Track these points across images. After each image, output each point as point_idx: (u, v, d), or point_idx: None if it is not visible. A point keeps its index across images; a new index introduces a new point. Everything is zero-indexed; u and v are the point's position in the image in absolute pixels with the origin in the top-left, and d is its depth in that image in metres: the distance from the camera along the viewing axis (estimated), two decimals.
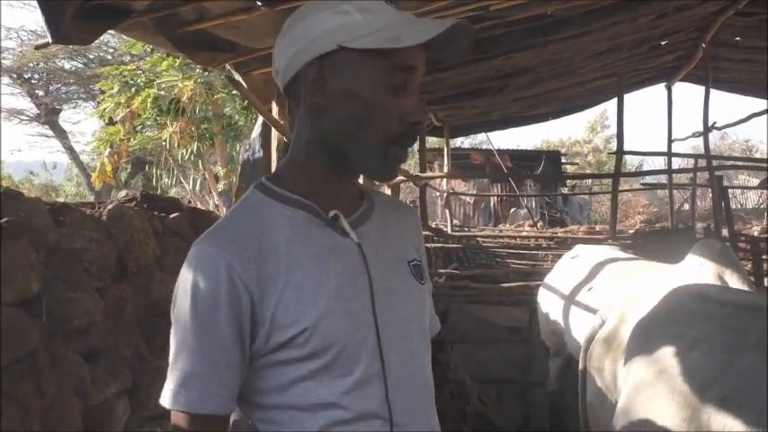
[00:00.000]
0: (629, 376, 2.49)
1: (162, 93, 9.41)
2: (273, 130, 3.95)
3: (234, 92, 9.90)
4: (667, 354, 2.36)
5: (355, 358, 1.24)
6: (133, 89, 9.80)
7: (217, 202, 11.39)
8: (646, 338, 2.53)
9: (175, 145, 10.56)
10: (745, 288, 3.79)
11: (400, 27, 1.23)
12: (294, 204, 1.30)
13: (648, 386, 2.36)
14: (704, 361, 2.23)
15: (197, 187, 12.54)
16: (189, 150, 10.68)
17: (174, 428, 1.24)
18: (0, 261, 1.63)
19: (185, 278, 1.23)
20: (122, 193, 2.75)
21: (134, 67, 10.35)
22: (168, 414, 2.41)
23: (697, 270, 4.03)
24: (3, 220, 1.67)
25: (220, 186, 11.34)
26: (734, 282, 3.81)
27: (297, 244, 1.26)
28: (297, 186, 1.32)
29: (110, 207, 2.28)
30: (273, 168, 3.95)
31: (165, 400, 1.23)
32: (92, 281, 2.03)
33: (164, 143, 10.77)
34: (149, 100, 9.48)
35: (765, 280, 8.20)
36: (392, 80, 1.24)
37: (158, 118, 10.21)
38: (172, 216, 2.71)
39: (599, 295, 4.73)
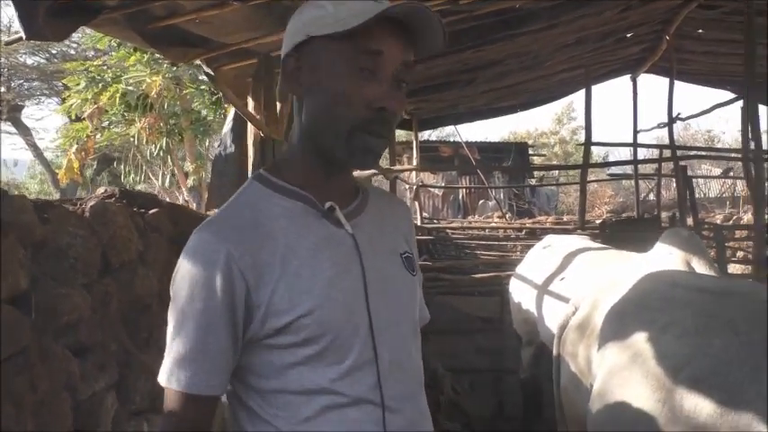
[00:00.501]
0: (603, 361, 2.56)
1: (130, 88, 9.34)
2: (249, 124, 3.95)
3: (202, 87, 9.87)
4: (640, 338, 2.44)
5: (348, 345, 1.27)
6: (100, 85, 9.69)
7: (186, 198, 11.34)
8: (619, 324, 2.60)
9: (144, 141, 10.48)
10: (712, 274, 3.90)
11: (362, 12, 1.24)
12: (291, 195, 1.33)
13: (623, 370, 2.43)
14: (676, 344, 2.30)
15: (166, 183, 12.46)
16: (158, 146, 10.60)
17: (167, 406, 1.28)
18: None
19: (185, 264, 1.26)
20: (101, 190, 2.75)
21: (100, 62, 10.25)
22: (154, 408, 2.44)
23: (666, 258, 4.14)
24: None
25: (190, 182, 11.28)
26: (701, 268, 3.92)
27: (293, 234, 1.29)
28: (294, 178, 1.35)
29: (92, 204, 2.29)
30: (250, 163, 3.97)
31: (162, 378, 1.27)
32: (78, 277, 2.04)
33: (132, 139, 10.68)
34: (117, 96, 9.39)
35: (728, 266, 8.40)
36: (358, 66, 1.26)
37: (126, 114, 10.12)
38: (151, 212, 2.72)
39: (571, 284, 4.81)
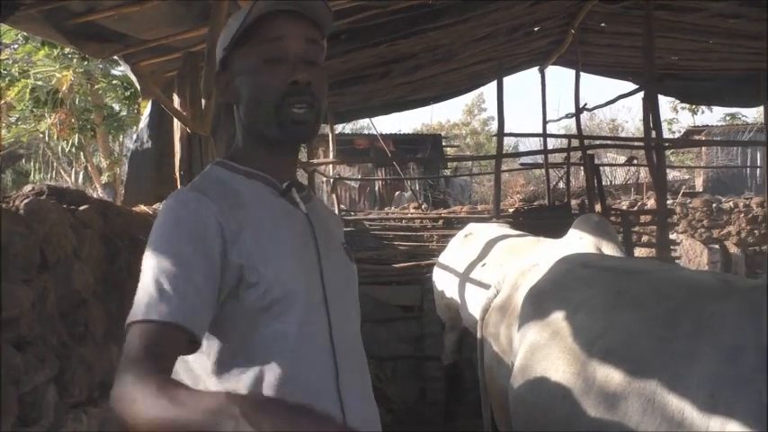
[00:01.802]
0: (523, 339, 2.73)
1: (39, 83, 9.11)
2: (176, 121, 3.98)
3: (115, 81, 9.70)
4: (557, 316, 2.62)
5: (307, 308, 1.39)
6: (6, 79, 9.42)
7: (101, 195, 11.10)
8: (537, 304, 2.78)
9: (54, 137, 10.24)
10: (620, 255, 4.16)
11: (250, 13, 1.41)
12: (252, 176, 1.47)
13: (542, 347, 2.61)
14: (589, 320, 2.50)
15: (79, 180, 12.18)
16: (69, 142, 10.36)
17: (137, 344, 1.20)
18: None
19: (163, 217, 1.35)
20: (28, 187, 2.75)
21: (6, 56, 9.95)
22: (93, 401, 2.48)
23: (578, 242, 4.38)
24: None
25: (104, 178, 11.07)
26: (610, 251, 4.18)
27: (259, 207, 1.42)
28: (250, 166, 1.49)
29: (26, 201, 2.32)
30: (177, 159, 3.99)
31: (137, 314, 1.23)
32: (18, 273, 2.08)
33: (41, 135, 10.42)
34: (26, 91, 9.14)
35: (635, 250, 8.80)
36: (265, 54, 1.43)
37: (35, 109, 9.85)
38: (82, 208, 2.74)
39: (492, 270, 5.00)
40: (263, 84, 1.43)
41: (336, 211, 10.35)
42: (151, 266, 1.29)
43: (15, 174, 16.54)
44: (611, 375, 2.29)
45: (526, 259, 4.05)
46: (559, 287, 2.77)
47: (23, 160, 14.58)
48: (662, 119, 8.08)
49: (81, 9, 3.75)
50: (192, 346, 1.29)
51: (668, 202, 13.48)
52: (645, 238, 9.85)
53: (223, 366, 1.38)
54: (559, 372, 2.47)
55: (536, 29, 8.68)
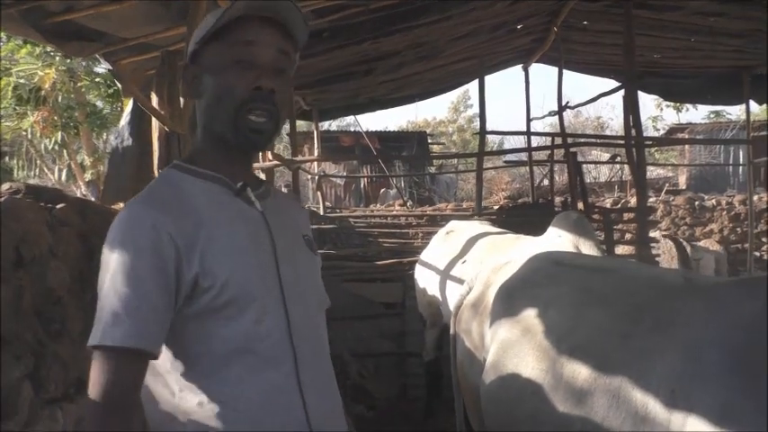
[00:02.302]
0: (495, 336, 2.77)
1: (21, 81, 9.10)
2: (154, 119, 4.00)
3: (97, 79, 9.69)
4: (527, 313, 2.66)
5: (263, 308, 1.43)
6: None
7: (84, 192, 11.08)
8: (508, 301, 2.82)
9: (37, 135, 10.22)
10: (597, 253, 4.20)
11: (227, 12, 1.45)
12: (207, 178, 1.50)
13: (513, 343, 2.65)
14: (558, 317, 2.54)
15: (62, 177, 12.15)
16: (53, 140, 10.35)
17: (98, 369, 1.30)
18: None
19: (114, 233, 1.38)
20: (5, 186, 2.77)
21: None
22: (68, 397, 2.51)
23: (556, 240, 4.43)
24: None
25: (87, 176, 11.06)
26: (587, 249, 4.22)
27: (212, 209, 1.45)
28: (205, 167, 1.52)
29: (2, 199, 2.34)
30: (156, 157, 4.02)
31: (95, 338, 1.31)
32: None
33: (24, 133, 10.40)
34: (9, 89, 9.12)
35: (617, 248, 8.86)
36: (235, 58, 1.46)
37: (18, 107, 9.84)
38: (59, 206, 2.76)
39: (472, 267, 5.03)
40: (227, 84, 1.45)
41: (321, 209, 10.42)
42: (106, 286, 1.34)
43: (1, 171, 16.48)
44: (578, 371, 2.33)
45: (506, 256, 4.09)
46: (530, 284, 2.81)
47: (7, 158, 14.52)
48: (646, 116, 8.16)
49: (59, 8, 3.75)
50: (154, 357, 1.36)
51: (651, 199, 13.66)
52: (628, 236, 9.92)
53: (184, 365, 1.41)
54: (529, 368, 2.52)
55: (519, 27, 8.72)
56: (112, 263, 1.35)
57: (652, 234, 8.98)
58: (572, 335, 2.44)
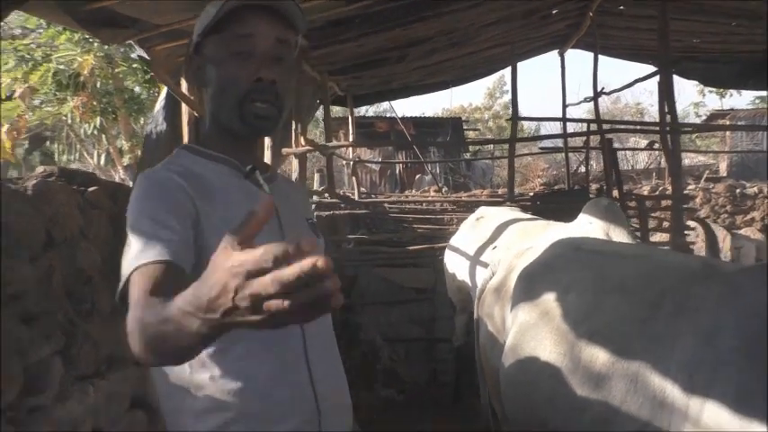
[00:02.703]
0: (515, 319, 2.79)
1: (61, 67, 9.27)
2: (183, 104, 4.07)
3: (135, 65, 9.83)
4: (547, 297, 2.68)
5: None
6: (30, 64, 9.59)
7: (123, 177, 11.27)
8: (528, 285, 2.84)
9: (77, 120, 10.41)
10: (627, 240, 4.17)
11: (227, 6, 1.48)
12: (217, 160, 1.56)
13: (532, 327, 2.67)
14: (577, 302, 2.55)
15: (101, 162, 12.36)
16: (91, 125, 10.53)
17: (136, 286, 1.26)
18: None
19: (137, 189, 1.44)
20: (40, 169, 2.85)
21: (29, 41, 10.11)
22: (99, 374, 2.58)
23: (586, 227, 4.40)
24: None
25: (125, 160, 11.24)
26: (617, 235, 4.19)
27: (223, 190, 1.51)
28: (215, 150, 1.58)
29: (34, 182, 2.41)
30: (185, 141, 4.09)
31: (129, 265, 1.29)
32: (24, 251, 2.18)
33: (64, 118, 10.59)
34: (49, 75, 9.30)
35: (654, 235, 8.79)
36: (234, 49, 1.50)
37: (58, 93, 10.02)
38: (90, 189, 2.84)
39: (502, 253, 5.04)
40: (229, 75, 1.50)
41: (356, 194, 10.47)
42: (133, 230, 1.36)
43: (43, 155, 16.79)
44: (596, 355, 2.34)
45: (533, 242, 4.09)
46: (551, 269, 2.82)
47: (48, 143, 14.79)
48: (688, 102, 8.04)
49: None
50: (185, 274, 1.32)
51: (690, 187, 13.47)
52: (666, 224, 9.80)
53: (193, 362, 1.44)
54: (547, 351, 2.53)
55: (553, 12, 8.65)
56: (136, 213, 1.39)
57: (692, 222, 8.89)
58: (590, 319, 2.45)
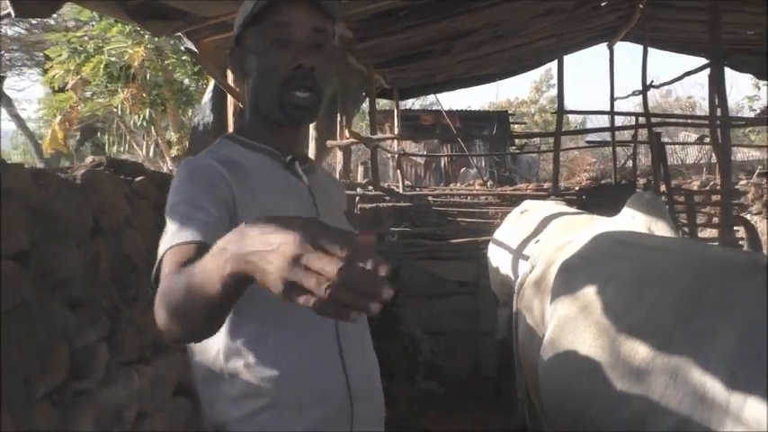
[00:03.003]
0: (554, 313, 2.78)
1: (113, 59, 9.44)
2: (229, 96, 4.13)
3: (184, 57, 9.96)
4: (586, 291, 2.66)
5: None
6: (82, 56, 9.79)
7: (171, 168, 11.44)
8: (568, 278, 2.82)
9: (127, 111, 10.60)
10: (670, 235, 4.12)
11: None
12: (257, 150, 1.60)
13: (571, 320, 2.65)
14: (617, 296, 2.53)
15: (150, 153, 12.58)
16: (141, 116, 10.72)
17: (168, 261, 1.31)
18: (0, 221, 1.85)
19: (178, 174, 1.49)
20: (89, 159, 2.93)
21: (82, 33, 10.31)
22: (143, 360, 2.64)
23: (629, 221, 4.35)
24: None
25: (174, 152, 11.41)
26: (659, 229, 4.13)
27: (262, 178, 1.54)
28: (257, 139, 1.61)
29: (82, 172, 2.48)
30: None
31: (164, 245, 1.35)
32: (71, 238, 2.24)
33: (115, 110, 10.79)
34: (100, 66, 9.49)
35: (703, 231, 8.65)
36: (273, 38, 1.53)
37: (109, 84, 10.22)
38: (138, 179, 2.91)
39: (547, 247, 5.01)
40: (269, 64, 1.53)
41: (401, 187, 10.49)
42: (170, 214, 1.41)
43: (94, 146, 17.14)
44: (636, 350, 2.32)
45: (576, 236, 4.06)
46: (590, 262, 2.80)
47: (99, 133, 15.08)
48: (742, 96, 7.88)
49: None
50: None
51: (742, 182, 13.19)
52: (715, 220, 9.63)
53: (230, 329, 1.47)
54: (586, 345, 2.52)
55: (602, 4, 8.55)
56: (176, 197, 1.44)
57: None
58: (630, 313, 2.43)
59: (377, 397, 1.64)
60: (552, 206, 6.01)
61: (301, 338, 1.48)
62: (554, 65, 8.99)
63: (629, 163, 14.63)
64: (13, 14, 2.90)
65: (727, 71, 7.25)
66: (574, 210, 5.91)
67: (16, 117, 18.92)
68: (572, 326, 2.63)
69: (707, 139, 15.54)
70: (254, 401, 1.46)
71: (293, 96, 1.52)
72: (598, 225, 4.59)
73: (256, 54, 1.56)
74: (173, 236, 1.35)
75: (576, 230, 4.81)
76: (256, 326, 1.47)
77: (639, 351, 2.30)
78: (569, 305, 2.70)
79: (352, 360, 1.53)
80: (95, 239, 2.40)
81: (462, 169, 18.93)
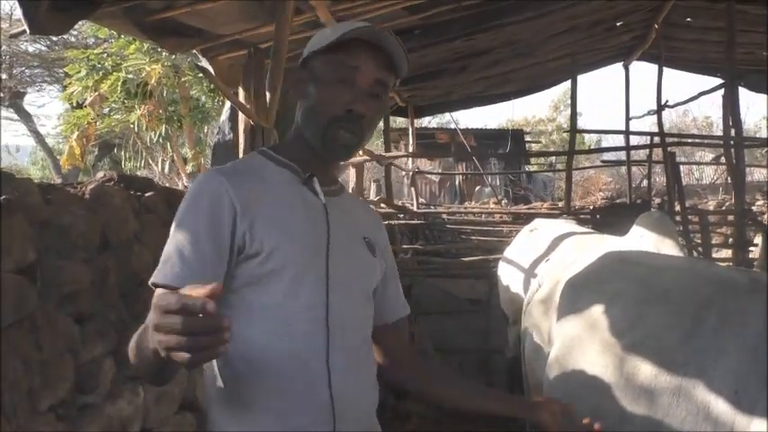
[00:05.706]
0: (560, 330, 2.78)
1: (130, 76, 9.53)
2: (240, 113, 4.17)
3: (200, 75, 10.03)
4: (591, 309, 2.66)
5: (303, 283, 1.53)
6: (101, 72, 9.89)
7: (186, 184, 11.51)
8: (572, 296, 2.82)
9: (143, 128, 10.69)
10: (676, 253, 4.10)
11: (342, 33, 1.56)
12: (283, 165, 1.64)
13: (576, 338, 2.65)
14: (620, 313, 2.53)
15: (166, 169, 12.66)
16: (157, 133, 10.80)
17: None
18: (1, 233, 1.87)
19: (188, 192, 1.55)
20: (100, 174, 2.96)
21: (101, 50, 10.42)
22: None
23: (638, 240, 4.34)
24: (1, 198, 1.91)
25: (189, 168, 11.47)
26: (667, 248, 4.11)
27: (278, 191, 1.59)
28: (288, 157, 1.66)
29: (91, 186, 2.50)
30: (241, 150, 4.18)
31: (153, 278, 1.47)
32: (79, 252, 2.26)
33: (132, 126, 10.88)
34: (118, 83, 9.58)
35: (717, 251, 8.59)
36: (338, 76, 1.58)
37: (126, 101, 10.31)
38: (147, 195, 2.93)
39: (555, 266, 5.00)
40: (326, 98, 1.58)
41: (415, 205, 10.50)
42: (171, 237, 1.49)
43: (112, 162, 17.29)
44: (639, 368, 2.32)
45: (588, 256, 4.05)
46: (594, 280, 2.80)
47: (116, 149, 15.20)
48: (760, 116, 7.85)
49: (159, 6, 3.96)
50: None
51: (759, 202, 13.11)
52: (731, 241, 9.57)
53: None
54: (590, 363, 2.51)
55: (618, 24, 8.56)
56: (179, 219, 1.51)
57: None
58: (634, 331, 2.43)
59: (365, 416, 1.64)
60: (562, 225, 6.00)
61: (289, 344, 1.51)
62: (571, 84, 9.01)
63: (645, 182, 14.59)
64: (28, 31, 2.95)
65: (744, 91, 7.23)
66: (583, 229, 5.89)
67: (35, 133, 19.12)
68: (577, 344, 2.62)
69: (722, 159, 15.50)
70: (238, 409, 1.50)
71: (338, 134, 1.57)
72: (607, 244, 4.58)
73: (318, 84, 1.60)
74: (161, 267, 1.47)
75: (586, 249, 4.80)
76: (244, 325, 1.50)
77: (642, 369, 2.30)
78: (574, 323, 2.70)
79: (339, 378, 1.53)
80: (103, 254, 2.42)
81: (477, 187, 18.92)
